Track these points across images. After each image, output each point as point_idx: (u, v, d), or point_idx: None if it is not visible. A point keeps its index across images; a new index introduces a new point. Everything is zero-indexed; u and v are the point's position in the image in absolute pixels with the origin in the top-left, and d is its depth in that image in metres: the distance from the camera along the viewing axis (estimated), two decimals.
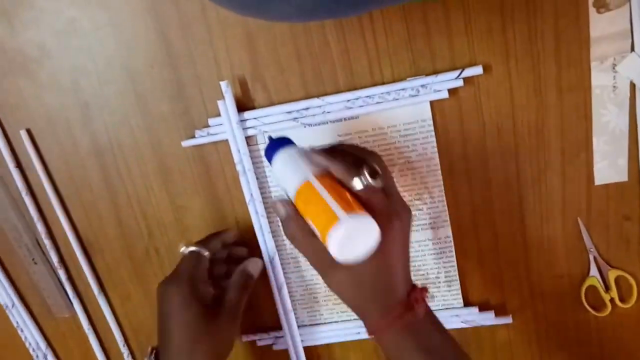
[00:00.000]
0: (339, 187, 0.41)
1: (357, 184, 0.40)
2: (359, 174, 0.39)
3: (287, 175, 0.43)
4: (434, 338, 0.43)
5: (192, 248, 0.51)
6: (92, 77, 0.53)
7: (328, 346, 0.59)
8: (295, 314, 0.57)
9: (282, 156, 0.45)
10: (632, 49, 0.46)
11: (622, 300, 0.53)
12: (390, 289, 0.42)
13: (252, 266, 0.54)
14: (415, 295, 0.42)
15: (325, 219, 0.38)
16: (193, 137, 0.53)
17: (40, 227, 0.58)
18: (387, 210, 0.41)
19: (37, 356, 0.64)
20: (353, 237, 0.38)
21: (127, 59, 0.52)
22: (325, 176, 0.41)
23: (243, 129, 0.52)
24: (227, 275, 0.53)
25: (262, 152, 0.53)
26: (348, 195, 0.40)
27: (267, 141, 0.48)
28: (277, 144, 0.46)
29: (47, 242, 0.59)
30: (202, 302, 0.49)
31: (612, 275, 0.52)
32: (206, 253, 0.51)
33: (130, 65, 0.52)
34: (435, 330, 0.43)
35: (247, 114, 0.52)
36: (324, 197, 0.39)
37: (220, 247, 0.54)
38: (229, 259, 0.55)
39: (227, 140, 0.53)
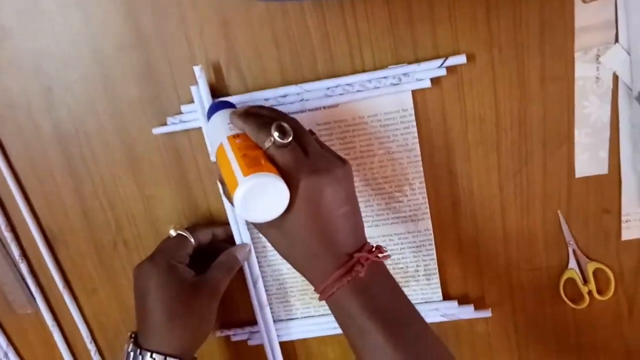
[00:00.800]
0: (254, 147, 0.41)
1: (265, 142, 0.40)
2: (269, 133, 0.40)
3: (211, 139, 0.45)
4: (382, 300, 0.41)
5: (180, 232, 0.51)
6: (56, 60, 0.50)
7: (304, 341, 0.58)
8: (270, 308, 0.56)
9: (213, 119, 0.45)
10: (617, 40, 0.46)
11: (599, 292, 0.53)
12: (326, 248, 0.41)
13: (240, 251, 0.52)
14: (360, 255, 0.41)
15: (232, 181, 0.39)
16: (164, 124, 0.51)
17: None
18: (301, 166, 0.40)
19: None
20: (259, 197, 0.38)
21: (94, 41, 0.49)
22: (241, 137, 0.42)
23: None
24: (210, 262, 0.52)
25: None
26: (261, 155, 0.40)
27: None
28: (216, 107, 0.46)
29: (7, 235, 0.55)
30: (180, 280, 0.48)
31: (590, 267, 0.52)
32: (192, 239, 0.50)
33: (97, 47, 0.49)
34: (385, 292, 0.42)
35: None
36: (230, 159, 0.40)
37: (209, 239, 0.52)
38: (213, 253, 0.53)
39: (200, 128, 0.50)
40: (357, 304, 0.40)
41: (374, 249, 0.42)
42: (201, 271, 0.50)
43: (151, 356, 0.47)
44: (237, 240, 0.53)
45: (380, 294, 0.41)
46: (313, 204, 0.40)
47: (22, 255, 0.56)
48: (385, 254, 0.42)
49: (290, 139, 0.40)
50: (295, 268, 0.43)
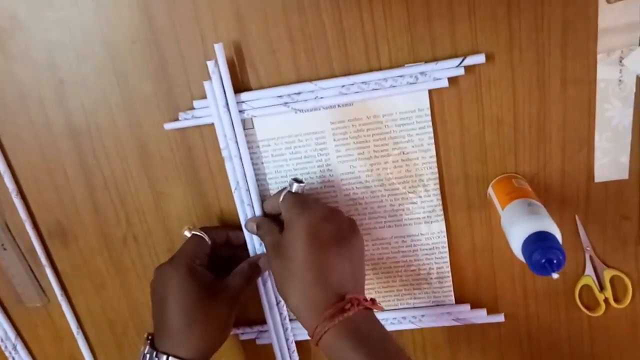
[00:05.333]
0: None
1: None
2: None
3: None
4: (375, 344, 0.41)
5: (195, 232, 0.50)
6: (69, 53, 0.49)
7: None
8: (280, 307, 0.55)
9: None
10: None
11: (616, 300, 0.52)
12: (319, 283, 0.43)
13: (263, 261, 0.52)
14: (351, 297, 0.42)
15: None
16: (176, 119, 0.50)
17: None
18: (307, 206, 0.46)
19: (5, 347, 0.60)
20: None
21: (107, 34, 0.49)
22: None
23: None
24: (228, 270, 0.51)
25: (251, 137, 0.50)
26: None
27: None
28: None
29: (17, 228, 0.55)
30: (200, 285, 0.48)
31: (607, 274, 0.51)
32: (208, 239, 0.50)
33: (110, 40, 0.49)
34: (378, 337, 0.42)
35: (235, 97, 0.49)
36: None
37: (225, 240, 0.52)
38: (229, 256, 0.53)
39: (212, 125, 0.50)
40: (349, 345, 0.40)
41: (364, 298, 0.43)
42: (218, 273, 0.50)
43: (167, 359, 0.46)
44: (248, 240, 0.52)
45: (373, 338, 0.41)
46: (312, 237, 0.44)
47: (32, 249, 0.56)
48: (379, 305, 0.44)
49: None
50: (291, 307, 0.44)
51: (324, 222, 0.45)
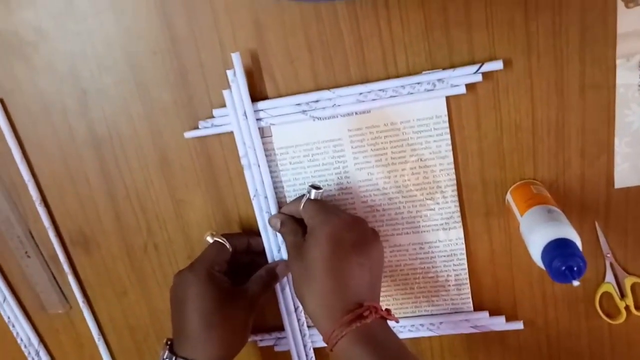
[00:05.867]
0: None
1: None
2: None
3: None
4: (390, 351, 0.42)
5: (217, 238, 0.51)
6: (91, 63, 0.50)
7: None
8: (298, 314, 0.55)
9: None
10: None
11: (637, 308, 0.51)
12: (338, 290, 0.43)
13: (281, 268, 0.52)
14: (370, 304, 0.43)
15: None
16: (196, 128, 0.51)
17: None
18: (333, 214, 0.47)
19: (28, 353, 0.61)
20: None
21: (128, 44, 0.49)
22: None
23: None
24: (247, 276, 0.52)
25: (269, 145, 0.51)
26: None
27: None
28: None
29: (40, 235, 0.56)
30: (218, 291, 0.48)
31: (628, 282, 0.51)
32: (229, 246, 0.51)
33: (131, 51, 0.50)
34: (393, 345, 0.42)
35: (253, 106, 0.49)
36: None
37: (245, 247, 0.53)
38: (250, 265, 0.53)
39: (231, 133, 0.50)
40: (365, 352, 0.41)
41: (380, 308, 0.44)
42: (236, 279, 0.50)
43: None
44: (267, 247, 0.53)
45: (388, 346, 0.42)
46: (335, 244, 0.44)
47: (55, 256, 0.57)
48: (394, 316, 0.44)
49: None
50: (308, 311, 0.45)
51: (348, 230, 0.45)
